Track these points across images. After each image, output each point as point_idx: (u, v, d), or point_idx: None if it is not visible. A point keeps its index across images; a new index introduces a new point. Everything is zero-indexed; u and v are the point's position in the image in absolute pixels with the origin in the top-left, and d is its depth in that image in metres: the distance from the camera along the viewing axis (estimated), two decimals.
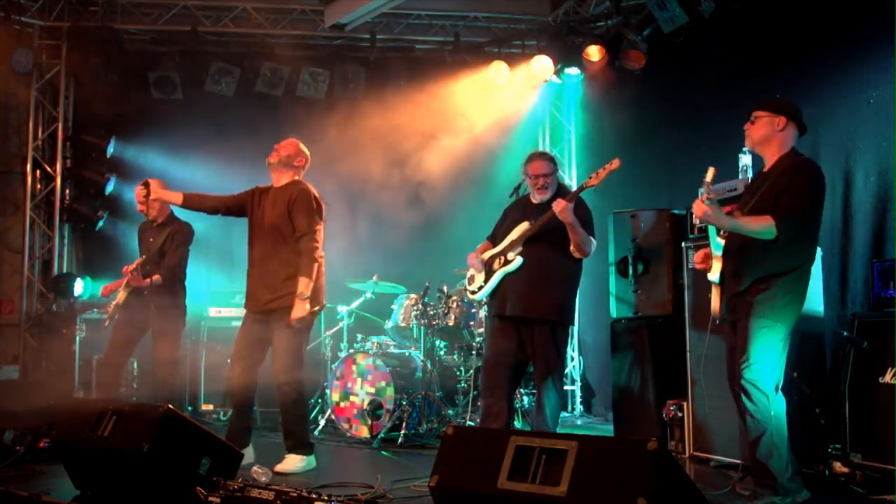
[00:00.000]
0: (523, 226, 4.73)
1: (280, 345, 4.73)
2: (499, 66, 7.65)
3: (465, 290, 5.14)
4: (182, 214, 5.75)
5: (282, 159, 4.90)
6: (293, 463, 4.72)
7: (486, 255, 4.91)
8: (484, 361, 4.86)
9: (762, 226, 3.65)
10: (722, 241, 3.88)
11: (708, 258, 3.96)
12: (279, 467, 4.67)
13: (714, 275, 3.90)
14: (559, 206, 4.46)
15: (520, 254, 4.69)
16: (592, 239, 4.66)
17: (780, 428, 3.67)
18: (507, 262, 4.73)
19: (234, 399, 4.93)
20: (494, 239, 4.99)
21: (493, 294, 4.81)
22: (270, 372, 4.78)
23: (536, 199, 4.81)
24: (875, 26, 4.87)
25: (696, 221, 5.05)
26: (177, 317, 5.66)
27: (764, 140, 3.85)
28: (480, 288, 4.87)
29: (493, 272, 4.79)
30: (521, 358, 4.71)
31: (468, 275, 5.07)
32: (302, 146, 5.00)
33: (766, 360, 3.67)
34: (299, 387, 4.78)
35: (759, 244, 3.69)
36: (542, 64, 7.41)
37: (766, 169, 3.87)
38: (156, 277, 5.56)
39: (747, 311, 3.72)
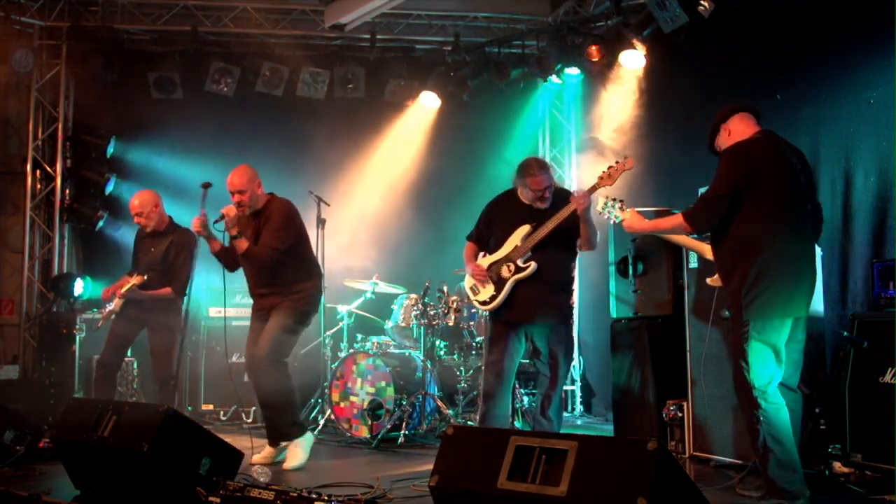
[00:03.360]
0: (524, 229, 4.63)
1: (269, 330, 4.80)
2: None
3: (469, 300, 4.94)
4: (182, 223, 5.78)
5: (250, 203, 4.88)
6: (296, 454, 4.77)
7: (488, 261, 4.76)
8: (489, 364, 4.74)
9: (672, 225, 3.72)
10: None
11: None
12: (286, 465, 4.73)
13: (717, 282, 4.00)
14: (582, 202, 4.40)
15: (531, 259, 4.59)
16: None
17: (774, 430, 3.56)
18: (519, 270, 4.60)
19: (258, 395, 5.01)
20: (479, 239, 4.89)
21: (506, 302, 4.67)
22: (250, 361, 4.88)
23: (533, 203, 4.69)
24: (875, 26, 4.87)
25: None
26: (173, 316, 5.67)
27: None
28: (493, 297, 4.69)
29: (504, 280, 4.65)
30: (523, 362, 4.74)
31: (469, 285, 4.89)
32: (246, 172, 4.89)
33: (752, 359, 3.59)
34: (283, 369, 4.83)
35: (717, 239, 3.72)
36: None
37: None
38: (167, 291, 5.58)
39: (730, 307, 3.76)
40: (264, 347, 4.76)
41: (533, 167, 4.64)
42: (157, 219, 5.68)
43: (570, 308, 4.80)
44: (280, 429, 4.89)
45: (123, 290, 5.50)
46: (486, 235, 4.85)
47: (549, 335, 4.63)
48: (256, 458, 4.84)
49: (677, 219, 3.66)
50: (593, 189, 4.47)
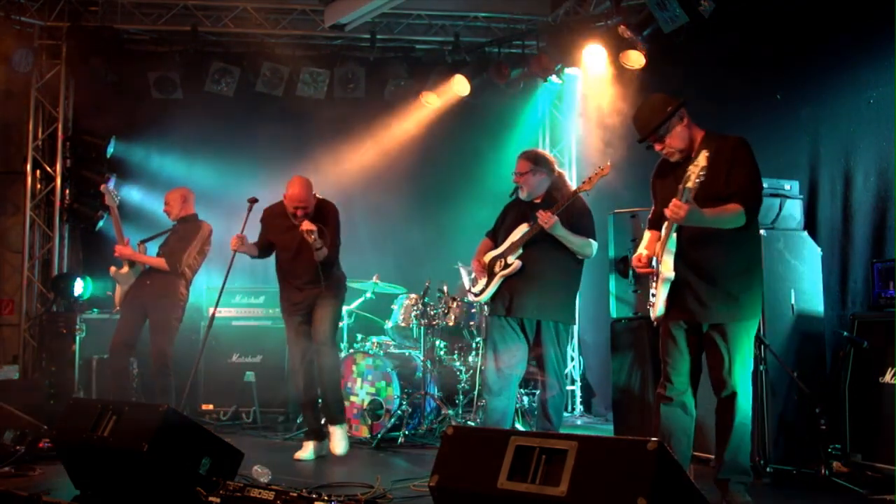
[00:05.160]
0: (522, 227, 4.75)
1: (323, 318, 5.24)
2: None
3: (469, 291, 5.22)
4: (203, 215, 6.05)
5: (310, 213, 5.18)
6: (341, 438, 5.27)
7: (489, 256, 4.92)
8: (488, 361, 4.84)
9: (733, 214, 3.46)
10: (674, 235, 3.60)
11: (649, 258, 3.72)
12: (337, 451, 5.24)
13: (670, 271, 3.59)
14: (545, 219, 4.51)
15: (520, 257, 4.71)
16: (592, 241, 4.70)
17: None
18: (506, 266, 4.74)
19: (304, 395, 5.36)
20: (495, 236, 5.01)
21: (496, 296, 4.82)
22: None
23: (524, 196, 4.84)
24: (875, 26, 4.87)
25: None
26: (175, 310, 5.79)
27: (684, 144, 3.75)
28: (483, 291, 4.88)
29: (494, 275, 4.82)
30: (524, 358, 4.73)
31: (472, 276, 5.14)
32: (306, 186, 5.19)
33: (750, 360, 3.60)
34: (337, 351, 5.35)
35: (724, 233, 3.51)
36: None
37: (693, 154, 3.60)
38: (160, 261, 5.76)
39: (729, 311, 3.54)
40: (325, 332, 5.23)
41: (522, 152, 4.94)
42: (178, 208, 5.95)
43: (560, 307, 4.71)
44: (333, 411, 5.33)
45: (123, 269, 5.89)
46: (499, 230, 5.03)
47: (540, 333, 4.67)
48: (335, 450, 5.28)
49: (736, 209, 3.45)
50: (573, 194, 4.59)
